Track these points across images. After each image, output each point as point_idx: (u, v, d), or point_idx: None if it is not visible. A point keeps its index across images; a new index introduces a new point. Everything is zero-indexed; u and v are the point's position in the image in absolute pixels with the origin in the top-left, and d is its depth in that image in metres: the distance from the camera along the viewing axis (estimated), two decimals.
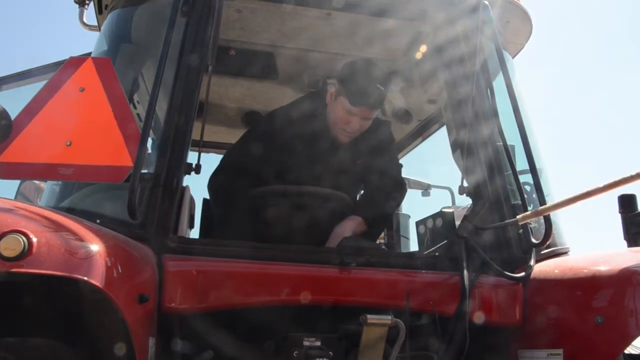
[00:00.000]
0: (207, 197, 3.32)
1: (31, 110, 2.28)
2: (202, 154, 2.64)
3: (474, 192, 2.73)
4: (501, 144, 2.73)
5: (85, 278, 1.63)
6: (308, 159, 3.03)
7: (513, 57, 3.30)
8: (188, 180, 2.54)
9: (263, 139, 3.05)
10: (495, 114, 2.77)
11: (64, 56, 2.40)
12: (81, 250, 1.68)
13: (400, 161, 3.46)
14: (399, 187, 3.27)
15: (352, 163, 3.15)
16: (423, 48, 3.29)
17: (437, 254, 2.67)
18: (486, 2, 2.75)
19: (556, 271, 2.41)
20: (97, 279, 1.65)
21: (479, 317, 2.43)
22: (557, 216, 2.72)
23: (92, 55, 2.93)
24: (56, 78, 2.34)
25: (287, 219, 2.91)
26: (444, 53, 2.92)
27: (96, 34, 3.27)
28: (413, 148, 4.37)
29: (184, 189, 2.51)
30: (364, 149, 3.17)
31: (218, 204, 3.10)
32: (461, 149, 2.79)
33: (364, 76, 2.98)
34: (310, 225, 2.87)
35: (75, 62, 2.34)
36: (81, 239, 1.72)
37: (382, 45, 3.35)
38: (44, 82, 2.40)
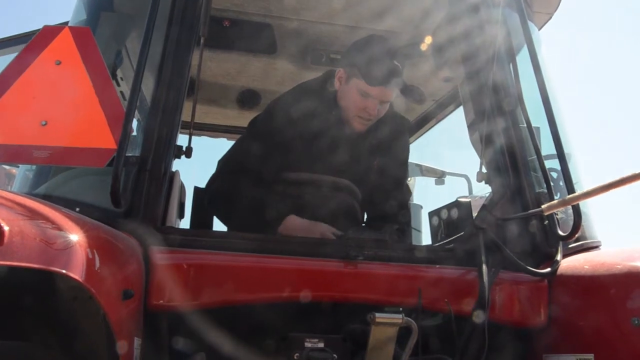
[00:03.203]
0: (199, 184, 3.31)
1: (0, 86, 2.26)
2: (193, 137, 2.61)
3: (494, 180, 2.71)
4: (525, 125, 2.70)
5: (64, 271, 1.60)
6: (317, 157, 2.99)
7: (539, 29, 3.26)
8: (178, 164, 2.52)
9: (264, 140, 2.99)
10: (518, 92, 2.74)
11: (37, 25, 2.38)
12: (59, 240, 1.66)
13: (412, 145, 3.46)
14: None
15: (367, 160, 3.12)
16: (438, 18, 3.25)
17: (452, 247, 2.65)
18: None
19: (586, 267, 2.39)
20: (76, 272, 1.63)
21: (499, 317, 2.41)
22: (587, 206, 2.70)
23: (70, 24, 2.90)
24: (28, 50, 2.31)
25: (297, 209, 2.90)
26: (461, 24, 2.89)
27: (73, 1, 3.24)
28: (426, 131, 4.35)
29: (174, 174, 2.49)
30: (378, 146, 3.13)
31: (219, 208, 3.06)
32: (480, 132, 2.77)
33: (377, 52, 2.94)
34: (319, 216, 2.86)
35: (50, 32, 2.32)
36: (59, 229, 1.69)
37: (393, 16, 3.32)
38: (14, 54, 2.38)
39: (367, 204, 3.22)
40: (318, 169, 3.02)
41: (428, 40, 3.38)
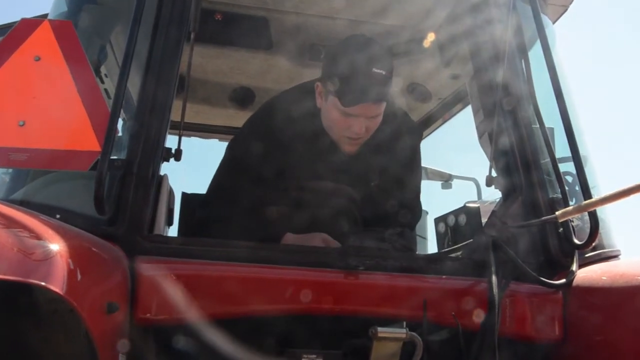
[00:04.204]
0: (188, 189, 3.30)
1: None
2: (183, 138, 2.61)
3: (505, 184, 2.70)
4: (537, 126, 2.69)
5: (43, 283, 1.57)
6: (313, 168, 2.91)
7: (554, 22, 3.26)
8: (166, 168, 2.51)
9: (248, 157, 2.90)
10: (530, 91, 2.73)
11: (14, 18, 2.37)
12: (38, 250, 1.64)
13: None
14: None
15: (366, 182, 3.05)
16: (445, 12, 3.24)
17: (459, 256, 2.65)
18: None
19: (604, 278, 2.38)
20: (57, 285, 1.60)
21: (510, 332, 2.40)
22: (604, 212, 2.69)
23: (49, 17, 2.87)
24: (5, 45, 2.31)
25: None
26: (469, 17, 2.88)
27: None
28: (432, 131, 4.35)
29: (162, 179, 2.48)
30: (380, 165, 3.02)
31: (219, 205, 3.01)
32: (489, 133, 2.76)
33: (355, 60, 2.72)
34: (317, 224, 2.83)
35: (28, 25, 2.32)
36: (38, 237, 1.68)
37: (398, 9, 3.31)
38: None
39: (370, 207, 3.18)
40: (314, 176, 2.96)
41: (431, 37, 3.36)
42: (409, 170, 3.15)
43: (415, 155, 3.22)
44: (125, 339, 2.06)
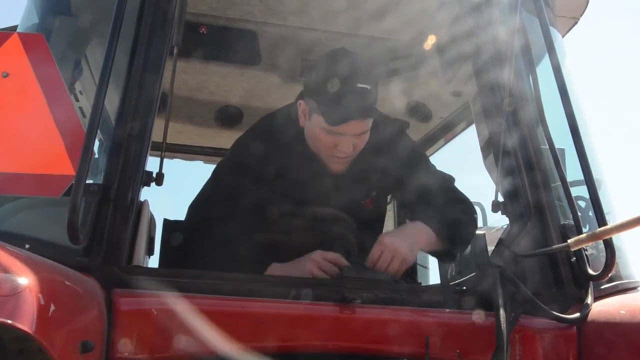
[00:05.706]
0: (170, 216, 3.28)
1: None
2: (165, 160, 2.60)
3: (512, 209, 2.69)
4: (547, 147, 2.69)
5: (10, 321, 1.55)
6: (303, 193, 2.90)
7: (563, 36, 3.28)
8: (147, 193, 2.50)
9: (237, 178, 2.92)
10: (539, 109, 2.73)
11: None
12: (4, 284, 1.61)
13: None
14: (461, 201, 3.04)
15: (359, 201, 3.04)
16: (445, 25, 3.25)
17: (464, 288, 2.63)
18: None
19: (622, 312, 2.35)
20: (24, 322, 1.58)
21: None
22: (621, 240, 2.69)
23: (19, 30, 2.89)
24: None
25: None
26: (472, 30, 2.89)
27: (24, 2, 3.23)
28: (433, 152, 4.36)
29: (142, 205, 2.47)
30: (372, 178, 3.02)
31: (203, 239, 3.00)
32: (495, 154, 2.75)
33: (338, 76, 2.73)
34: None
35: None
36: (4, 270, 1.65)
37: (394, 21, 3.32)
38: None
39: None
40: (304, 202, 2.95)
41: (432, 40, 3.36)
42: (412, 171, 3.07)
43: (414, 152, 3.18)
44: None
